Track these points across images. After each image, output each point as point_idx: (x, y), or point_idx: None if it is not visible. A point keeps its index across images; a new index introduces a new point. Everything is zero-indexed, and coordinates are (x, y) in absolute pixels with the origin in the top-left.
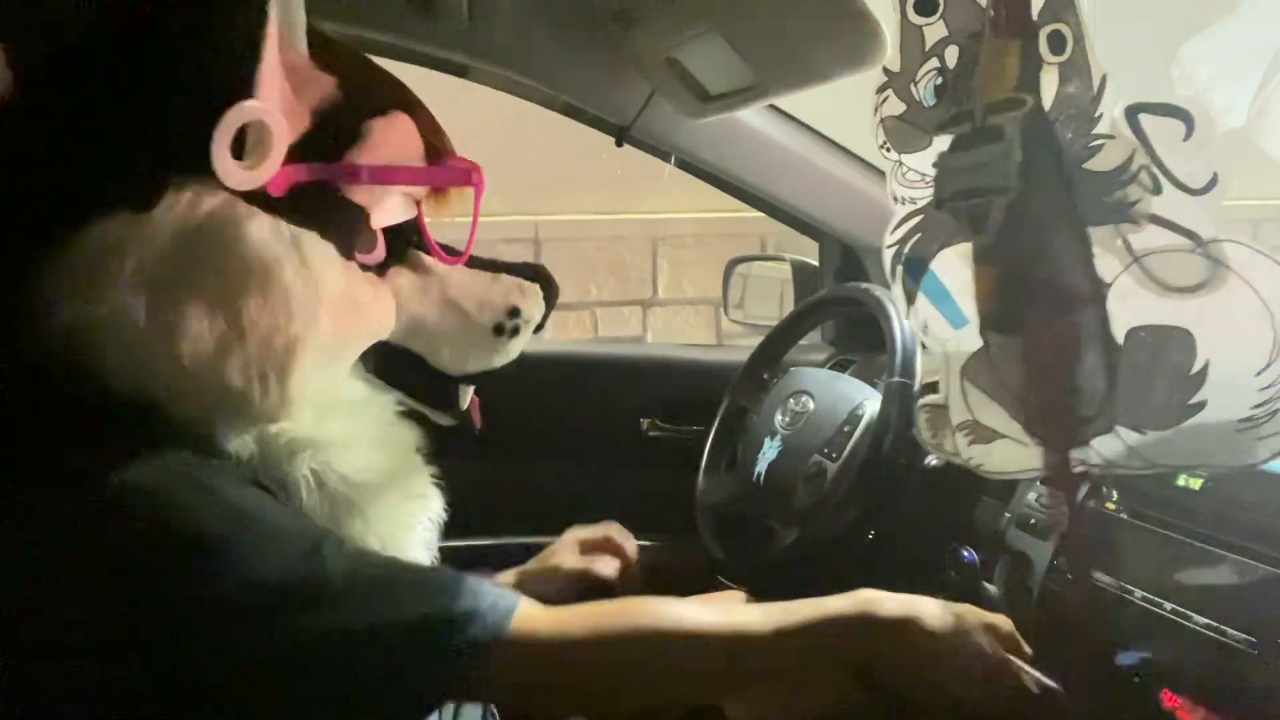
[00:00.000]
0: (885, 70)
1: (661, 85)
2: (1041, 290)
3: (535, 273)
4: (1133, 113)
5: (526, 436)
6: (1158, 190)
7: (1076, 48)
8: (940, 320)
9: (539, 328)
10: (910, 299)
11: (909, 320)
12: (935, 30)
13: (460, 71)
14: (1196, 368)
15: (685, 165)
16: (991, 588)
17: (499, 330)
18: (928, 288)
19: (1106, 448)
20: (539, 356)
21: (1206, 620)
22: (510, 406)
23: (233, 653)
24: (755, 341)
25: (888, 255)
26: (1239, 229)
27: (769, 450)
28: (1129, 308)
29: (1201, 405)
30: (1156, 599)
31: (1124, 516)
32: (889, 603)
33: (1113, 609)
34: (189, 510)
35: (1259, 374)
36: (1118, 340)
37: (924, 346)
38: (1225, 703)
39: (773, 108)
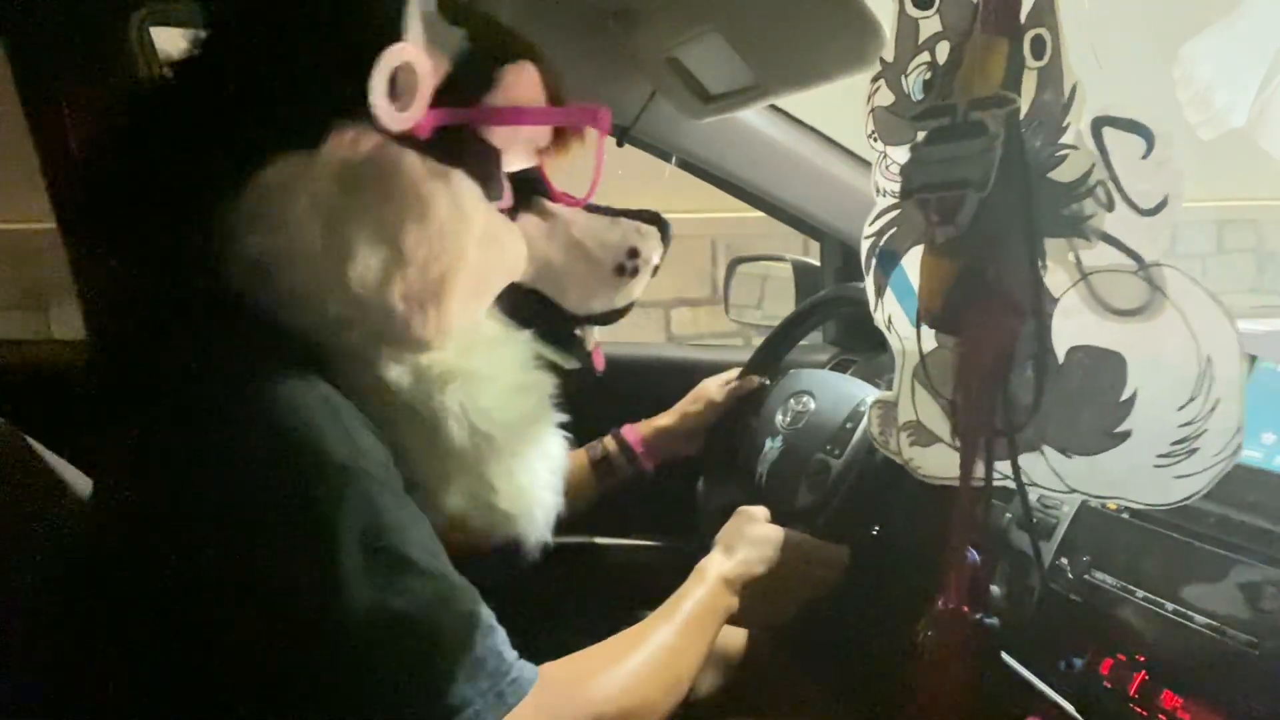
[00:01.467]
0: (881, 60)
1: (662, 85)
2: (990, 293)
3: (651, 216)
4: (1098, 125)
5: None
6: (1111, 207)
7: (1053, 55)
8: (903, 316)
9: (655, 270)
10: (879, 292)
11: (876, 314)
12: (930, 24)
13: None
14: (1125, 395)
15: (686, 165)
16: (994, 588)
17: (620, 270)
18: (896, 283)
19: (1031, 466)
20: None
21: (1207, 620)
22: None
23: (254, 597)
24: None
25: (865, 246)
26: (1204, 229)
27: (770, 451)
28: (1072, 325)
29: (1126, 435)
30: (1157, 599)
31: (1124, 516)
32: (726, 563)
33: (1114, 608)
34: (308, 435)
35: (1181, 409)
36: (1058, 357)
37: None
38: (1226, 703)
39: (774, 107)
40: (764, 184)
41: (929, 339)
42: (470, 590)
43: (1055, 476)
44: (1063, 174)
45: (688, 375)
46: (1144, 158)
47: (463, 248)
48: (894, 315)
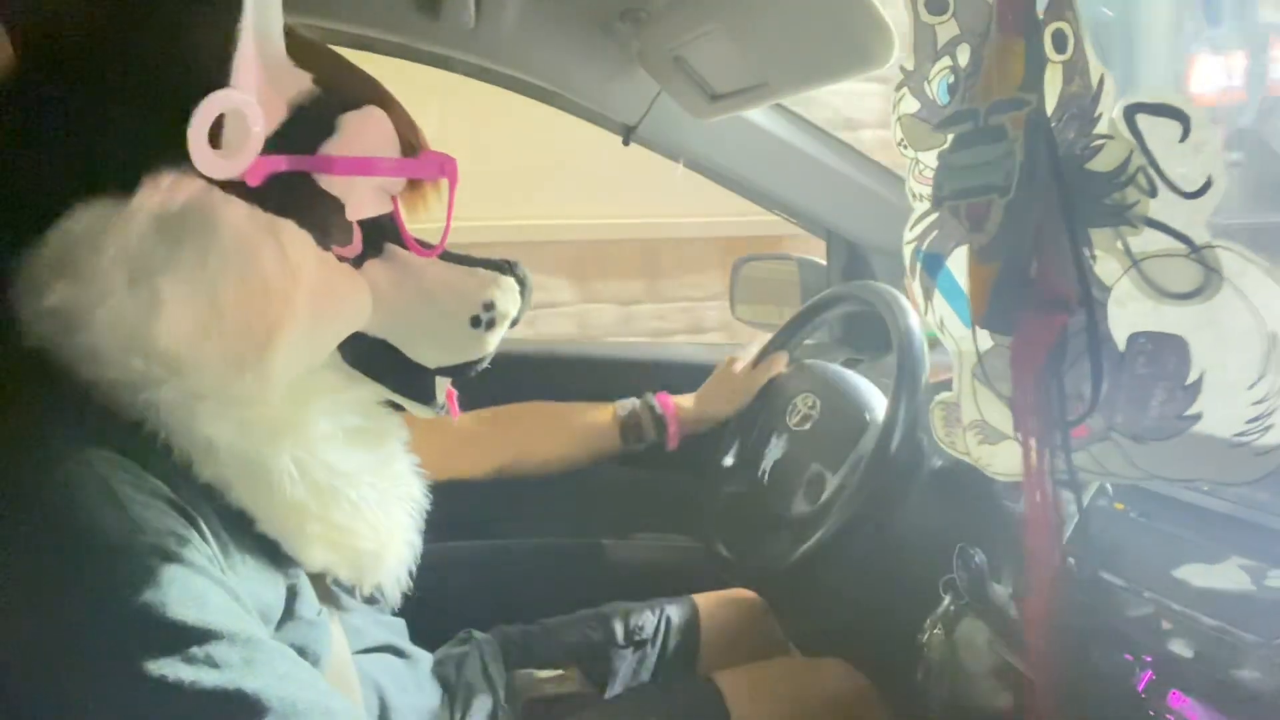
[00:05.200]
0: (902, 69)
1: (669, 84)
2: (1032, 291)
3: (511, 268)
4: (1131, 112)
5: None
6: (1153, 193)
7: (1076, 47)
8: (954, 318)
9: (514, 322)
10: (928, 295)
11: (927, 316)
12: (948, 29)
13: (467, 71)
14: (1192, 378)
15: (693, 164)
16: (1000, 588)
17: (475, 323)
18: (944, 285)
19: (1105, 455)
20: (538, 356)
21: (1215, 620)
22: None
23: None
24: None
25: (907, 251)
26: None
27: (774, 448)
28: (1129, 312)
29: (1197, 417)
30: (1164, 599)
31: (1133, 516)
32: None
33: (1121, 608)
34: (96, 524)
35: (1251, 387)
36: (1119, 345)
37: (939, 344)
38: (1234, 702)
39: (779, 106)
40: (770, 183)
41: (984, 339)
42: (282, 650)
43: (1130, 465)
44: (1101, 164)
45: (692, 375)
46: (1181, 141)
47: (289, 302)
48: (945, 317)
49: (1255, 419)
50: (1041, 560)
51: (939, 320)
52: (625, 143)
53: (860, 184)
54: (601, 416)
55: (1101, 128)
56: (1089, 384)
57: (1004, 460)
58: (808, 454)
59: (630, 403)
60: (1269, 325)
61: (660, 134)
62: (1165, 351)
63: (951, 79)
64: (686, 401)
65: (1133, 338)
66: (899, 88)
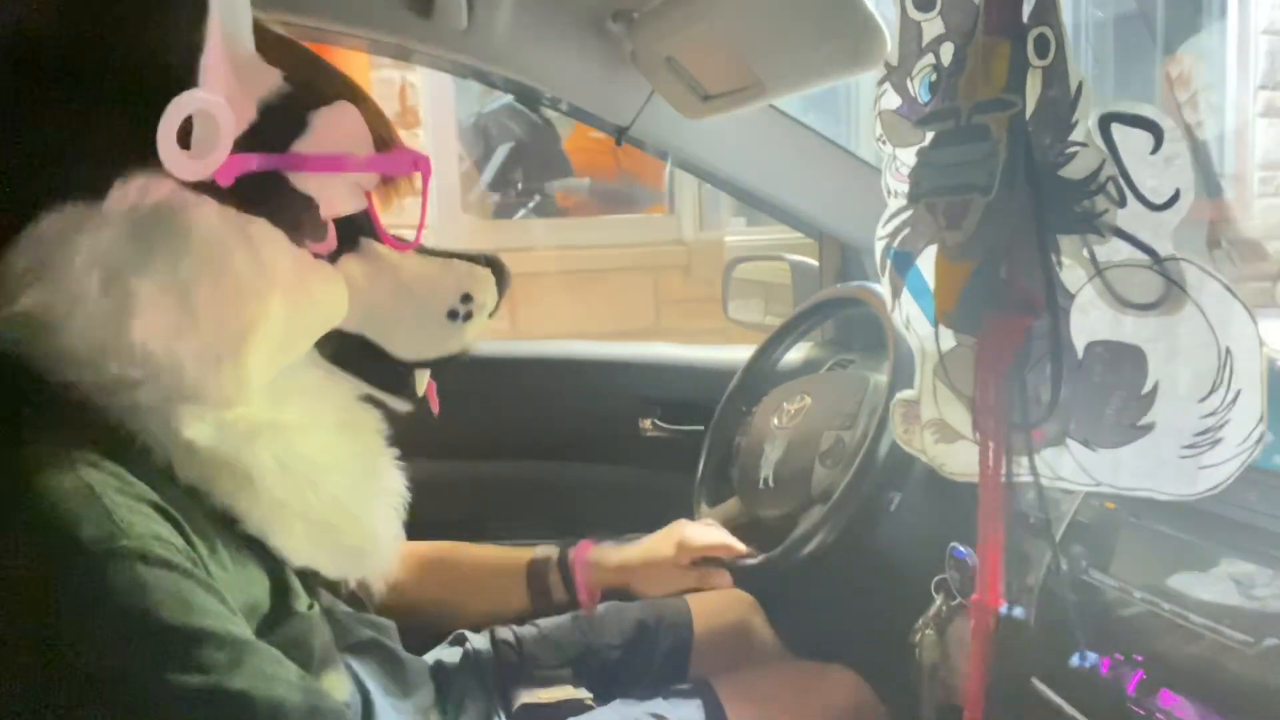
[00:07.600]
0: (885, 64)
1: (661, 85)
2: (1003, 292)
3: (487, 260)
4: (1105, 121)
5: (526, 436)
6: (1122, 203)
7: (1058, 53)
8: (920, 316)
9: (492, 313)
10: (896, 292)
11: (894, 314)
12: (933, 26)
13: (460, 72)
14: (1147, 388)
15: (684, 164)
16: None
17: (453, 315)
18: (912, 283)
19: (1057, 461)
20: (538, 357)
21: (1204, 619)
22: (510, 406)
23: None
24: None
25: (879, 247)
26: None
27: (773, 452)
28: (1089, 320)
29: (1150, 427)
30: (1154, 598)
31: (1121, 516)
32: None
33: (1111, 608)
34: (80, 529)
35: (1203, 400)
36: (1077, 352)
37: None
38: (1223, 701)
39: (772, 107)
40: (762, 183)
41: (947, 338)
42: (269, 651)
43: (1081, 471)
44: (1073, 171)
45: (690, 375)
46: (1153, 153)
47: (263, 301)
48: (912, 315)
49: (1204, 432)
50: (994, 559)
51: (905, 318)
52: (618, 143)
53: (852, 184)
54: (510, 573)
55: (1076, 135)
56: (1047, 388)
57: (959, 460)
58: (815, 432)
59: (543, 559)
60: (1224, 340)
61: (653, 134)
62: (1122, 361)
63: (934, 77)
64: (612, 558)
65: (1090, 345)
66: (881, 83)
